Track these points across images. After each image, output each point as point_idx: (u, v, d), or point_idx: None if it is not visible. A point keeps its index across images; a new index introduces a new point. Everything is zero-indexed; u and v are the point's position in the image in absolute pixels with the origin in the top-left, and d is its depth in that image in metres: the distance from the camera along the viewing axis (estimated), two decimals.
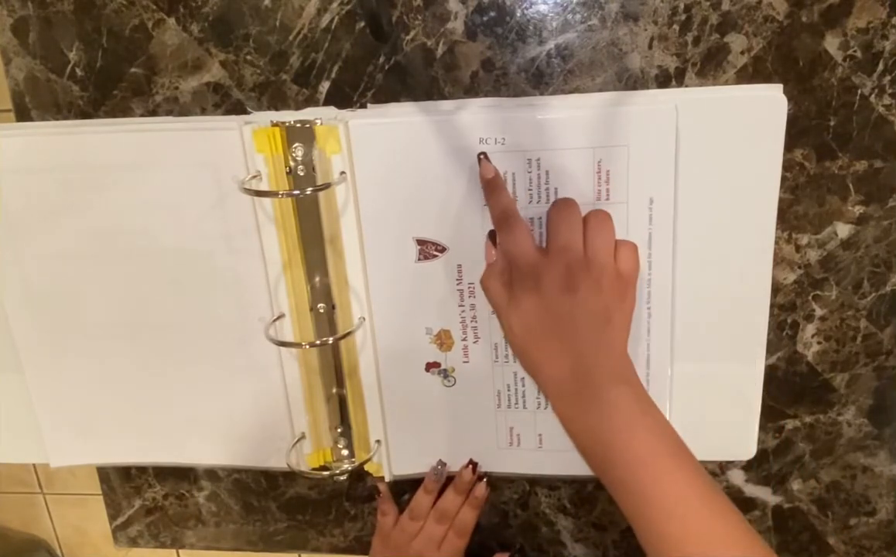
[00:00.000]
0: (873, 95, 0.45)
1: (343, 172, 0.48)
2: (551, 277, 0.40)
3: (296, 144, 0.48)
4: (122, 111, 0.51)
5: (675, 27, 0.45)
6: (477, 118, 0.46)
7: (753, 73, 0.45)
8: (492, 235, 0.46)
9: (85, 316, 0.55)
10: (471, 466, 0.53)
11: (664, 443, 0.39)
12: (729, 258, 0.48)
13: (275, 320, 0.52)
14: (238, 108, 0.50)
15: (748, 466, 0.54)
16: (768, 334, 0.49)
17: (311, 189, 0.47)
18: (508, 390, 0.52)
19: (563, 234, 0.41)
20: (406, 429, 0.54)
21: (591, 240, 0.41)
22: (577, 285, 0.40)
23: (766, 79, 0.45)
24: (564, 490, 0.57)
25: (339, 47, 0.48)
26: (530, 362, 0.42)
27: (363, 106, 0.48)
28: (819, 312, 0.50)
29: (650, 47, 0.45)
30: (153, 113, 0.51)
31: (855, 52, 0.44)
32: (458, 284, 0.49)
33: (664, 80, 0.46)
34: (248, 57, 0.49)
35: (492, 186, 0.45)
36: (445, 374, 0.52)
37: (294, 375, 0.54)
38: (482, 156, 0.45)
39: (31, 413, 0.58)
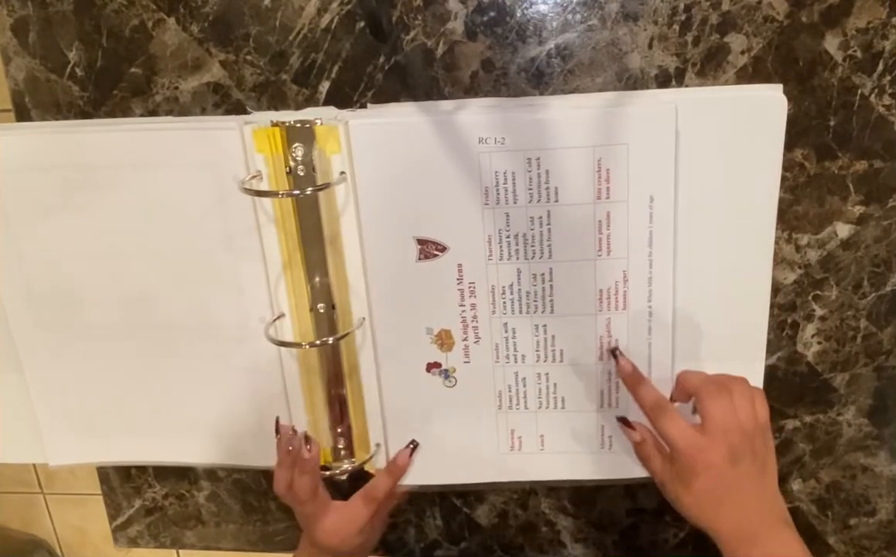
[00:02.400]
0: (873, 95, 0.45)
1: (343, 172, 0.48)
2: (717, 456, 0.44)
3: (296, 144, 0.48)
4: (122, 111, 0.51)
5: (675, 27, 0.45)
6: (477, 118, 0.46)
7: (753, 73, 0.45)
8: (622, 419, 0.50)
9: (85, 316, 0.55)
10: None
11: None
12: (729, 258, 0.48)
13: (275, 320, 0.52)
14: (238, 108, 0.50)
15: None
16: (768, 334, 0.49)
17: (311, 189, 0.47)
18: (510, 390, 0.52)
19: (721, 416, 0.44)
20: (406, 431, 0.54)
21: (741, 411, 0.44)
22: (740, 458, 0.44)
23: (766, 79, 0.45)
24: (564, 490, 0.57)
25: (339, 47, 0.48)
26: (702, 522, 0.45)
27: (363, 106, 0.48)
28: (819, 312, 0.50)
29: (650, 47, 0.45)
30: (153, 113, 0.51)
31: (855, 52, 0.44)
32: (458, 284, 0.49)
33: (664, 80, 0.46)
34: (248, 57, 0.49)
35: (635, 380, 0.48)
36: (446, 375, 0.52)
37: (294, 375, 0.54)
38: (618, 352, 0.49)
39: (30, 413, 0.58)
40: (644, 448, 0.48)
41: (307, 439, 0.50)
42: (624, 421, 0.49)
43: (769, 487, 0.45)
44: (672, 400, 0.49)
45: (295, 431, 0.52)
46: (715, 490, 0.44)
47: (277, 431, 0.51)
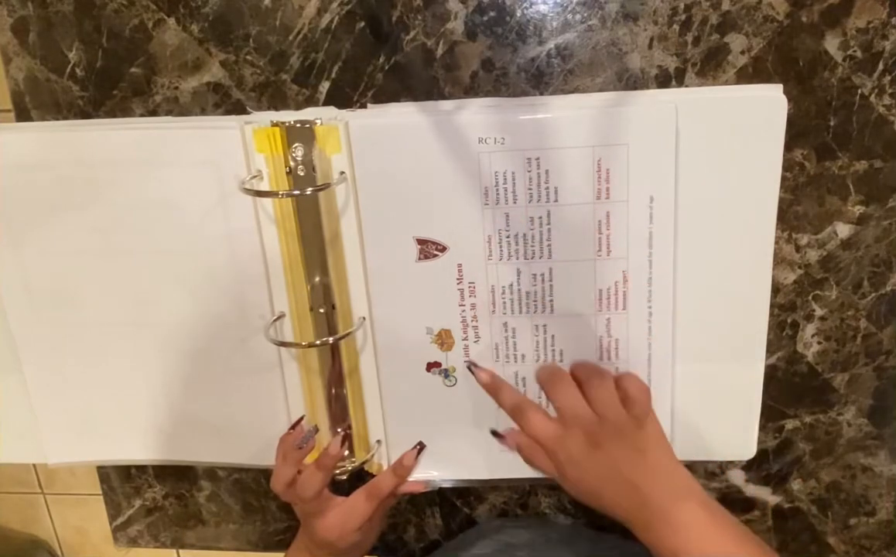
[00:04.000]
0: (873, 95, 0.45)
1: (343, 172, 0.48)
2: (575, 444, 0.44)
3: (296, 144, 0.48)
4: (122, 111, 0.51)
5: (675, 27, 0.45)
6: (477, 118, 0.46)
7: (753, 73, 0.45)
8: (493, 432, 0.51)
9: (85, 315, 0.55)
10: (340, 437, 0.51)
11: (740, 545, 0.41)
12: (729, 258, 0.48)
13: (275, 320, 0.52)
14: (238, 108, 0.50)
15: (748, 466, 0.54)
16: (768, 334, 0.49)
17: (311, 189, 0.47)
18: None
19: (566, 404, 0.45)
20: (406, 429, 0.54)
21: (593, 398, 0.44)
22: (599, 442, 0.43)
23: (766, 79, 0.45)
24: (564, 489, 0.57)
25: (339, 47, 0.48)
26: (600, 510, 0.45)
27: (363, 106, 0.48)
28: (819, 312, 0.50)
29: (650, 47, 0.46)
30: (153, 113, 0.51)
31: (855, 52, 0.44)
32: (458, 284, 0.49)
33: (664, 79, 0.46)
34: (248, 57, 0.49)
35: (494, 388, 0.49)
36: (446, 374, 0.52)
37: (294, 375, 0.54)
38: (473, 367, 0.50)
39: (30, 413, 0.58)
40: (525, 452, 0.48)
41: (345, 438, 0.51)
42: (495, 434, 0.50)
43: (657, 466, 0.44)
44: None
45: (317, 429, 0.53)
46: (587, 477, 0.44)
47: (293, 428, 0.52)
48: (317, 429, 0.53)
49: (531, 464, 0.48)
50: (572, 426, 0.44)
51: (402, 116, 0.47)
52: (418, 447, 0.53)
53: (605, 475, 0.43)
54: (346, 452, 0.56)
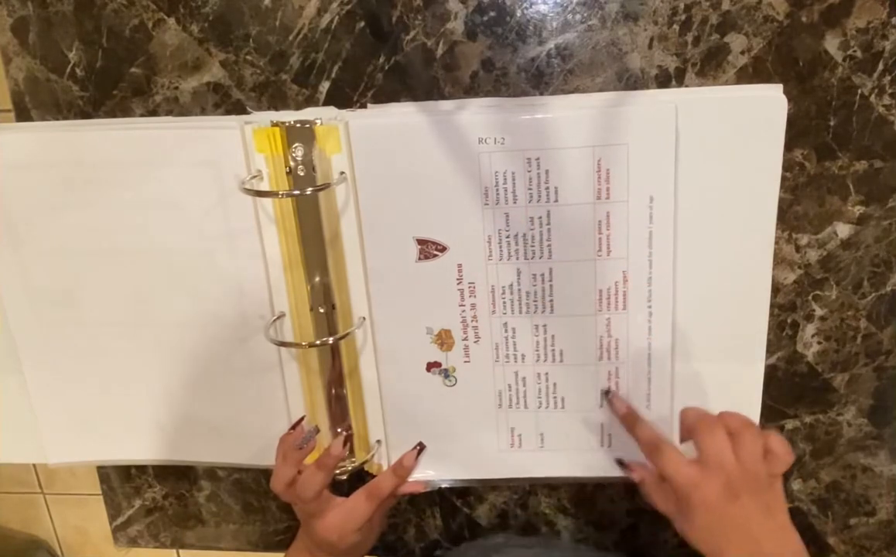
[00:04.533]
0: (873, 95, 0.45)
1: (343, 172, 0.48)
2: (713, 491, 0.44)
3: (296, 144, 0.48)
4: (122, 111, 0.51)
5: (675, 27, 0.45)
6: (477, 118, 0.46)
7: (753, 73, 0.45)
8: (619, 461, 0.51)
9: (85, 315, 0.55)
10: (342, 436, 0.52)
11: None
12: (729, 258, 0.48)
13: (275, 320, 0.52)
14: (238, 108, 0.50)
15: None
16: (768, 334, 0.49)
17: (311, 189, 0.47)
18: (510, 390, 0.52)
19: (714, 449, 0.44)
20: (406, 429, 0.54)
21: (741, 450, 0.44)
22: (737, 494, 0.43)
23: (766, 79, 0.45)
24: (564, 490, 0.57)
25: (339, 47, 0.48)
26: (713, 555, 0.45)
27: (363, 106, 0.49)
28: (819, 312, 0.50)
29: (650, 47, 0.46)
30: (153, 113, 0.51)
31: (855, 52, 0.44)
32: (458, 284, 0.49)
33: (664, 79, 0.46)
34: (248, 57, 0.49)
35: (631, 420, 0.49)
36: (446, 374, 0.52)
37: (294, 375, 0.54)
38: (612, 398, 0.50)
39: (30, 413, 0.58)
40: (648, 487, 0.48)
41: (347, 438, 0.51)
42: (621, 463, 0.50)
43: (780, 527, 0.44)
44: (681, 439, 0.49)
45: (318, 429, 0.53)
46: (716, 526, 0.44)
47: (293, 428, 0.52)
48: (317, 430, 0.53)
49: (650, 500, 0.48)
50: (715, 472, 0.44)
51: (402, 116, 0.47)
52: (418, 447, 0.53)
53: (735, 527, 0.44)
54: (347, 452, 0.56)
